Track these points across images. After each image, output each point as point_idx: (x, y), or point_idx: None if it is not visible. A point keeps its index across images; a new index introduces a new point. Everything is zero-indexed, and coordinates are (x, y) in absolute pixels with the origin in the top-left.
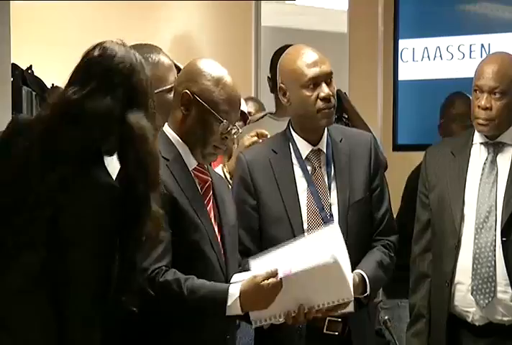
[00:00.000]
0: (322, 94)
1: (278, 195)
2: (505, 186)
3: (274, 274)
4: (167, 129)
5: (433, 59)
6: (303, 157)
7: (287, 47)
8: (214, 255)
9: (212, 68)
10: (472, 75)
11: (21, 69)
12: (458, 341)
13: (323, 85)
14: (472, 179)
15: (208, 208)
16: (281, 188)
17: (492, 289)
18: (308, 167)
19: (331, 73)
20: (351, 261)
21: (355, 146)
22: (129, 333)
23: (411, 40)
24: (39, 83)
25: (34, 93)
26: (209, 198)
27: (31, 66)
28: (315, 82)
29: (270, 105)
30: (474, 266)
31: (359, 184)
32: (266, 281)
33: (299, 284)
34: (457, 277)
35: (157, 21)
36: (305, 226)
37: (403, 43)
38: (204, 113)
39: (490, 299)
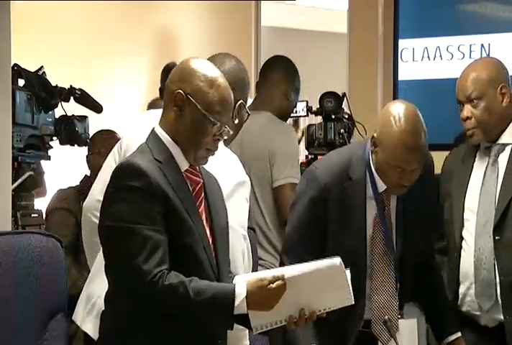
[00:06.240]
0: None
1: (346, 232)
2: (500, 185)
3: (280, 277)
4: (158, 129)
5: (433, 59)
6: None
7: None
8: (206, 258)
9: (206, 69)
10: None
11: (18, 69)
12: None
13: None
14: (475, 184)
15: (200, 210)
16: (350, 225)
17: (494, 292)
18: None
19: None
20: None
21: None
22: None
23: (411, 40)
24: (43, 84)
25: (26, 94)
26: (201, 200)
27: (42, 67)
28: None
29: None
30: (476, 272)
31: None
32: (272, 285)
33: (303, 288)
34: (461, 280)
35: (157, 21)
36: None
37: (403, 43)
38: (197, 115)
39: (492, 302)
